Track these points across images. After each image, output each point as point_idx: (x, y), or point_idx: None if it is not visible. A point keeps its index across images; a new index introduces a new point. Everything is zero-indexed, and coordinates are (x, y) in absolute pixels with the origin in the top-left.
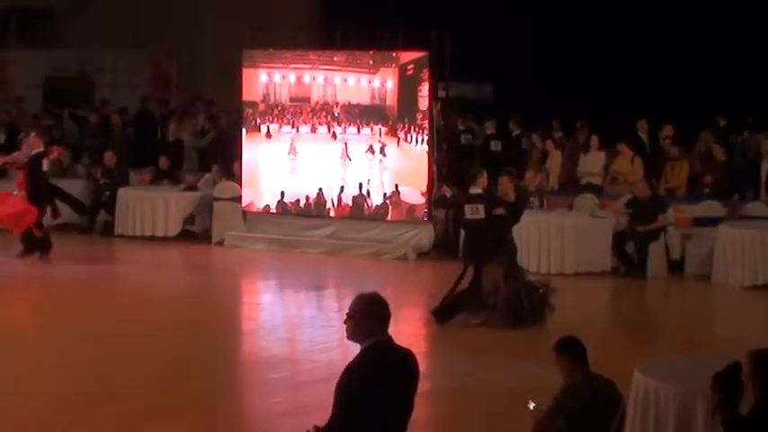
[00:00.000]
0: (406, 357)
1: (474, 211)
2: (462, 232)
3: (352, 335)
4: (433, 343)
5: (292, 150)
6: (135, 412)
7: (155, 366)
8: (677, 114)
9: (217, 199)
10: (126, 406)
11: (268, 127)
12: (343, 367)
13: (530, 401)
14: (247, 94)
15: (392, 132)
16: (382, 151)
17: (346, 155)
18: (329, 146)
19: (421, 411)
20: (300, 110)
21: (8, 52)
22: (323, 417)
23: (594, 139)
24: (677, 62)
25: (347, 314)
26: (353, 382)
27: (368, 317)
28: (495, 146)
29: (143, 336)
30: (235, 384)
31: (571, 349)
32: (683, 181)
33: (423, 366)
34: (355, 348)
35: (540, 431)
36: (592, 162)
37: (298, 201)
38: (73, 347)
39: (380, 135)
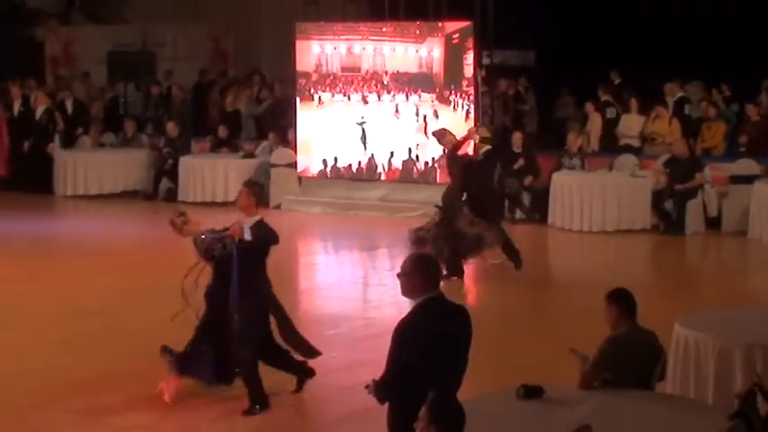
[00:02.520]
0: (458, 312)
1: None
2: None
3: (405, 291)
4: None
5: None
6: None
7: None
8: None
9: (273, 165)
10: None
11: (320, 96)
12: (397, 323)
13: (574, 351)
14: (301, 65)
15: (440, 99)
16: (435, 115)
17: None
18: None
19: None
20: (352, 79)
21: (74, 29)
22: (378, 371)
23: (634, 103)
24: (722, 25)
25: (400, 272)
26: (407, 337)
27: (419, 274)
28: None
29: None
30: None
31: (621, 300)
32: (719, 141)
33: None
34: (408, 305)
35: (586, 381)
36: (631, 124)
37: (350, 166)
38: (149, 306)
39: (431, 102)
